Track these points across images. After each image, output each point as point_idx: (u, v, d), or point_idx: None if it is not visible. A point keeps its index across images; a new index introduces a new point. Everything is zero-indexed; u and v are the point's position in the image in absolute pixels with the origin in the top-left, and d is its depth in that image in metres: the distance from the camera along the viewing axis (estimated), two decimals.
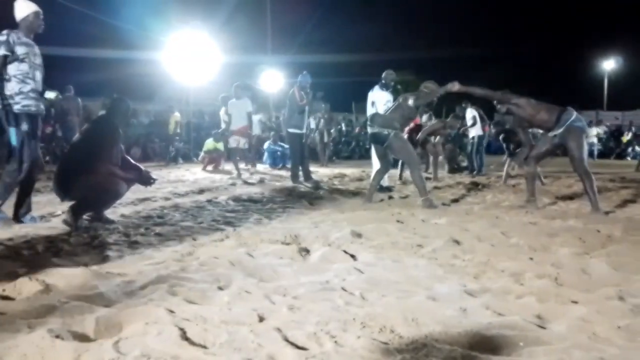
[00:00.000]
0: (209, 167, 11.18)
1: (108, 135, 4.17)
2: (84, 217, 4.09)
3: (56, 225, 3.96)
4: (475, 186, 7.53)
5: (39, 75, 4.22)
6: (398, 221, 4.40)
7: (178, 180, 8.44)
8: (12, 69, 4.07)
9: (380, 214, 4.82)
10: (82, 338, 1.83)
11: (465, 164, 11.22)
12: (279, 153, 12.45)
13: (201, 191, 6.81)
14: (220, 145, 11.82)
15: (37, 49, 4.23)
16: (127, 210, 4.83)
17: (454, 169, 10.77)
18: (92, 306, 2.13)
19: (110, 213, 4.34)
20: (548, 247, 3.36)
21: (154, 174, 4.68)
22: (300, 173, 8.21)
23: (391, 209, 5.17)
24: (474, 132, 10.44)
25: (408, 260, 3.02)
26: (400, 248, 3.35)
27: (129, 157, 4.50)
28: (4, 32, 4.05)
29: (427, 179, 7.01)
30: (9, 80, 4.06)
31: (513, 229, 4.02)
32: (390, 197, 6.25)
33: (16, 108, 4.06)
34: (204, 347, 1.76)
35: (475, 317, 2.07)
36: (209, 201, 5.72)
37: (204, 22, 16.08)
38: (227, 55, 16.92)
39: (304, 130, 8.42)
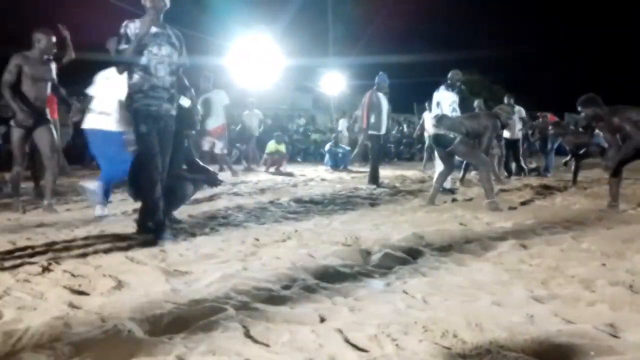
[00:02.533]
0: (271, 169, 11.36)
1: (176, 138, 4.32)
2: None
3: (128, 224, 4.15)
4: (544, 189, 7.25)
5: (160, 69, 3.70)
6: (461, 224, 4.31)
7: (241, 182, 8.62)
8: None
9: (443, 217, 4.73)
10: (152, 333, 1.90)
11: (533, 165, 10.83)
12: (340, 155, 12.48)
13: (263, 192, 6.94)
14: (282, 147, 11.99)
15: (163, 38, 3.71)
16: (194, 210, 4.98)
17: (523, 170, 10.38)
18: (161, 302, 2.22)
19: (178, 213, 4.50)
20: (622, 253, 3.19)
21: (220, 175, 4.81)
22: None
23: (454, 212, 5.07)
24: (508, 134, 9.99)
25: (472, 264, 2.95)
26: (463, 251, 3.28)
27: (197, 159, 4.65)
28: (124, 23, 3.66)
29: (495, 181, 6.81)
30: (131, 76, 3.70)
31: (584, 233, 3.84)
32: (454, 200, 6.12)
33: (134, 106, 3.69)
34: (267, 345, 1.79)
35: (543, 324, 1.99)
36: (271, 202, 5.81)
37: (267, 26, 16.38)
38: (289, 58, 17.14)
39: (382, 132, 8.17)
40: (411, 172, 10.58)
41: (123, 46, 3.59)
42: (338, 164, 12.36)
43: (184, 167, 4.44)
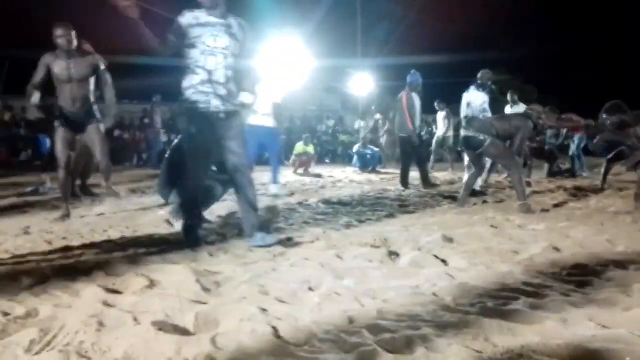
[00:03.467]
0: (300, 170, 11.40)
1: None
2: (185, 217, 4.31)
3: (160, 225, 4.22)
4: (578, 190, 7.10)
5: (213, 62, 3.43)
6: (492, 226, 4.25)
7: (270, 182, 8.67)
8: (185, 57, 3.48)
9: (473, 219, 4.67)
10: (183, 332, 1.93)
11: (566, 166, 10.59)
12: (368, 156, 12.45)
13: (292, 193, 6.97)
14: (311, 149, 12.03)
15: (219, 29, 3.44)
16: (224, 211, 5.03)
17: (555, 172, 10.17)
18: (192, 302, 2.25)
19: (208, 214, 4.55)
20: None
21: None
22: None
23: (485, 214, 5.01)
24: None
25: (503, 267, 2.90)
26: (494, 254, 3.23)
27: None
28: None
29: (527, 184, 6.69)
30: (184, 72, 3.49)
31: (620, 236, 3.74)
32: (485, 202, 6.04)
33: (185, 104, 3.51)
34: (296, 346, 1.80)
35: (577, 328, 1.95)
36: (299, 203, 5.83)
37: (297, 27, 16.44)
38: (318, 59, 17.17)
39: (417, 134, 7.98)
40: (441, 174, 10.47)
41: (167, 36, 3.37)
42: (366, 165, 12.33)
43: (214, 168, 4.49)
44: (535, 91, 22.48)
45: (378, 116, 14.87)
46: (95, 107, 4.85)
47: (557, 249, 3.33)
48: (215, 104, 3.44)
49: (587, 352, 1.73)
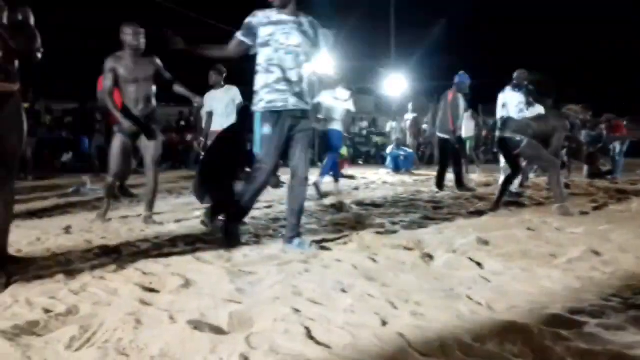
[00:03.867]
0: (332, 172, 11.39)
1: (239, 141, 4.44)
2: (220, 218, 4.38)
3: (195, 225, 4.29)
4: (619, 193, 6.89)
5: (287, 60, 3.39)
6: (529, 229, 4.17)
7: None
8: (258, 56, 3.44)
9: (509, 221, 4.59)
10: (217, 331, 1.96)
11: (606, 168, 10.29)
12: (401, 157, 12.36)
13: (325, 195, 6.97)
14: (344, 151, 12.00)
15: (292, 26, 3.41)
16: (258, 212, 5.08)
17: (595, 173, 9.89)
18: (226, 301, 2.28)
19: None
20: None
21: (283, 178, 4.88)
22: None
23: (521, 216, 4.91)
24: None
25: (540, 271, 2.84)
26: (531, 257, 3.17)
27: None
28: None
29: (566, 185, 6.52)
30: (256, 71, 3.45)
31: None
32: (521, 204, 5.92)
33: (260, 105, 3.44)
34: (328, 347, 1.80)
35: (620, 334, 1.89)
36: (332, 205, 5.83)
37: (330, 29, 16.44)
38: (351, 61, 17.15)
39: (459, 135, 7.88)
40: (476, 175, 10.32)
41: (238, 37, 3.40)
42: (400, 166, 12.25)
43: (247, 169, 4.54)
44: (574, 92, 21.91)
45: (407, 116, 14.74)
46: (157, 110, 4.61)
47: (596, 253, 3.24)
48: (293, 102, 3.39)
49: (628, 357, 1.68)
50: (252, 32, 3.39)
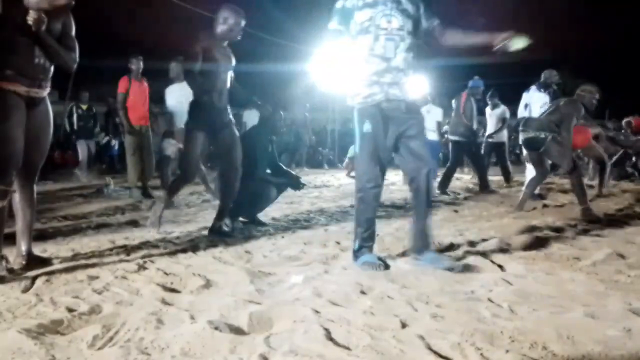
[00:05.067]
0: (353, 173, 11.37)
1: (257, 145, 4.46)
2: (240, 219, 4.41)
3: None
4: None
5: (391, 47, 2.95)
6: (552, 231, 4.11)
7: (323, 186, 8.73)
8: (356, 46, 3.01)
9: (532, 223, 4.52)
10: (237, 331, 1.97)
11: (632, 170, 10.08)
12: None
13: (345, 196, 6.97)
14: None
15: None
16: (277, 213, 5.10)
17: (621, 175, 9.67)
18: (246, 302, 2.29)
19: (262, 216, 4.62)
20: None
21: (303, 179, 4.89)
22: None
23: (544, 218, 4.84)
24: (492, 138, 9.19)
25: (563, 274, 2.80)
26: (554, 260, 3.12)
27: (280, 164, 4.77)
28: None
29: (590, 187, 6.40)
30: (354, 62, 3.03)
31: None
32: (545, 206, 5.84)
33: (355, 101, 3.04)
34: (348, 348, 1.80)
35: None
36: (352, 206, 5.80)
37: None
38: None
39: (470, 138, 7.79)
40: (498, 177, 10.20)
41: (331, 23, 3.00)
42: None
43: (268, 170, 4.56)
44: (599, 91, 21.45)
45: None
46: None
47: (621, 256, 3.18)
48: (394, 94, 2.95)
49: None
50: (347, 19, 2.95)
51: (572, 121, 5.10)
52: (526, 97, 6.69)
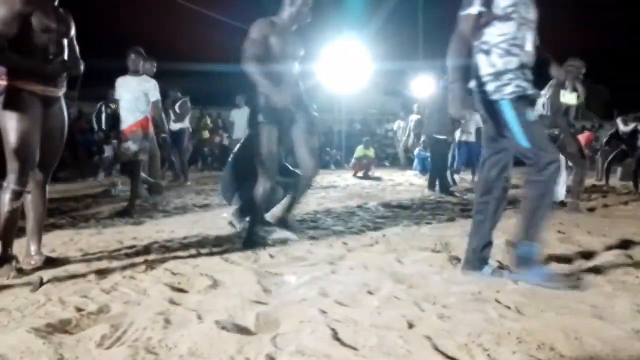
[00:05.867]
0: (360, 174, 11.39)
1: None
2: (247, 219, 4.41)
3: (223, 226, 4.33)
4: None
5: (529, 39, 2.70)
6: (559, 232, 4.09)
7: (330, 186, 8.72)
8: (493, 33, 2.67)
9: None
10: (244, 331, 1.98)
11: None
12: (429, 159, 12.25)
13: (352, 197, 6.97)
14: (371, 152, 12.00)
15: None
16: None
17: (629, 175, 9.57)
18: (253, 302, 2.30)
19: (269, 217, 4.62)
20: None
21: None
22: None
23: (553, 219, 4.81)
24: (464, 136, 9.50)
25: (571, 275, 2.78)
26: (561, 261, 3.11)
27: (286, 164, 4.77)
28: None
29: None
30: (487, 52, 2.68)
31: None
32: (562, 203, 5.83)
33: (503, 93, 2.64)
34: (354, 348, 1.80)
35: None
36: (359, 207, 5.82)
37: (357, 30, 16.44)
38: (378, 62, 17.09)
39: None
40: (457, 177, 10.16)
41: (471, 9, 2.61)
42: (427, 168, 12.14)
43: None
44: (607, 91, 21.32)
45: (412, 117, 14.33)
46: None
47: (629, 257, 3.16)
48: (531, 91, 2.70)
49: None
50: (489, 2, 2.62)
51: (560, 106, 5.29)
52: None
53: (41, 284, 2.59)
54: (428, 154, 12.27)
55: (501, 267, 2.84)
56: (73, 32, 3.00)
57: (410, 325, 2.01)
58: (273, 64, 3.50)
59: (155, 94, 5.47)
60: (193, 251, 3.42)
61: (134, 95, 5.31)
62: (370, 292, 2.47)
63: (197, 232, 4.14)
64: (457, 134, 10.34)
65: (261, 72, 3.40)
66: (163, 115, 5.79)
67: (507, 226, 4.40)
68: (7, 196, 2.74)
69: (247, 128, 4.17)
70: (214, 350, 1.78)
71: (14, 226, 2.81)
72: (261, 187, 3.67)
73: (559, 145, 5.22)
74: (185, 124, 9.13)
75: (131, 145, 5.26)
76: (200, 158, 15.17)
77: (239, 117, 10.39)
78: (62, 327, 2.01)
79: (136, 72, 5.45)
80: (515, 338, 1.86)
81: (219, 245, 3.63)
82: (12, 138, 2.70)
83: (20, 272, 2.78)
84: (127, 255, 3.28)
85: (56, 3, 2.88)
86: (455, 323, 2.03)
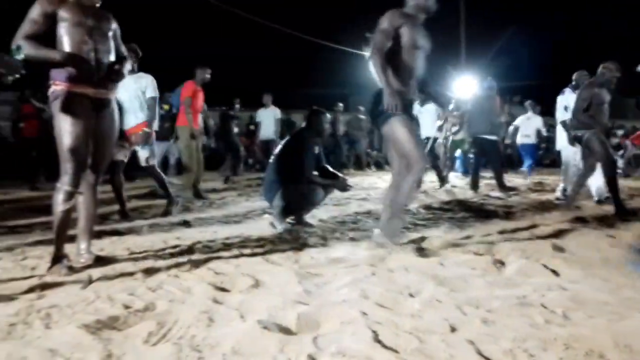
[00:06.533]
0: None
1: (303, 146, 4.49)
2: (288, 220, 4.45)
3: (264, 228, 4.38)
4: None
5: None
6: (609, 235, 3.95)
7: (371, 187, 8.68)
8: None
9: (587, 227, 4.36)
10: (286, 331, 2.00)
11: None
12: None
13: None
14: None
15: None
16: (325, 215, 5.12)
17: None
18: (294, 302, 2.32)
19: (309, 217, 4.65)
20: None
21: (350, 181, 4.89)
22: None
23: (602, 222, 4.65)
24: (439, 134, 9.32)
25: (621, 280, 2.69)
26: (612, 266, 3.00)
27: (327, 166, 4.78)
28: None
29: None
30: None
31: None
32: (599, 202, 5.64)
33: None
34: (395, 351, 1.79)
35: None
36: None
37: None
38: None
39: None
40: (552, 178, 9.89)
41: None
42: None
43: (315, 172, 4.59)
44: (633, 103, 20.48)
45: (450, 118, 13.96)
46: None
47: None
48: None
49: None
50: None
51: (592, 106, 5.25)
52: (562, 99, 6.69)
53: (90, 281, 2.68)
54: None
55: None
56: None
57: (453, 329, 1.98)
58: (402, 55, 3.44)
59: (150, 91, 5.29)
60: (235, 251, 3.47)
61: (132, 95, 5.23)
62: (411, 295, 2.45)
63: (239, 233, 4.19)
64: (518, 137, 10.41)
65: (383, 65, 3.35)
66: (157, 113, 5.46)
67: (555, 228, 4.30)
68: (60, 197, 2.85)
69: (370, 122, 4.06)
70: (256, 349, 1.80)
71: (66, 226, 2.93)
72: (416, 174, 3.46)
73: (585, 144, 5.16)
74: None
75: (140, 152, 5.24)
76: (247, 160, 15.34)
77: (266, 116, 10.17)
78: (111, 323, 2.08)
79: (132, 71, 5.08)
80: (562, 344, 1.81)
81: (260, 245, 3.67)
82: (65, 140, 2.81)
83: (71, 269, 2.88)
84: (172, 255, 3.36)
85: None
86: (500, 327, 2.00)
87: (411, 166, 3.43)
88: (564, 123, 6.33)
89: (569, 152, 6.50)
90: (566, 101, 6.54)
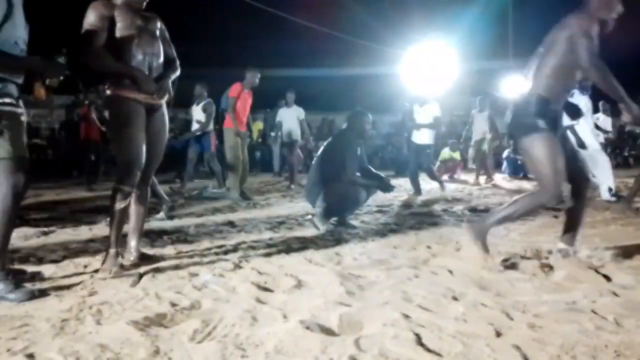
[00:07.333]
0: (445, 177, 11.14)
1: (346, 147, 4.49)
2: (330, 221, 4.47)
3: (307, 229, 4.41)
4: None
5: None
6: None
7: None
8: None
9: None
10: (328, 332, 2.00)
11: None
12: (519, 162, 11.76)
13: (437, 200, 6.84)
14: (457, 155, 11.70)
15: None
16: (367, 216, 5.11)
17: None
18: (337, 303, 2.32)
19: (352, 219, 4.65)
20: None
21: (393, 182, 4.87)
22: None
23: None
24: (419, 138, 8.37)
25: None
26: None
27: (370, 167, 4.78)
28: None
29: None
30: None
31: None
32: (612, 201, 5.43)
33: None
34: (439, 354, 1.77)
35: None
36: (444, 210, 5.70)
37: (444, 31, 16.12)
38: (465, 62, 16.66)
39: None
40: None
41: None
42: (517, 171, 11.67)
43: (358, 173, 4.59)
44: None
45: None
46: None
47: None
48: None
49: None
50: None
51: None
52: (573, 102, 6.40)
53: (139, 279, 2.76)
54: (519, 156, 11.82)
55: None
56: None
57: (498, 334, 1.94)
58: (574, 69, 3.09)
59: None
60: (278, 252, 3.51)
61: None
62: (455, 298, 2.42)
63: (282, 234, 4.23)
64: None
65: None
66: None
67: (607, 232, 4.15)
68: (117, 196, 2.97)
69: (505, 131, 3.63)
70: (298, 350, 1.81)
71: (122, 224, 3.04)
72: (542, 200, 3.18)
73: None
74: (211, 126, 7.76)
75: None
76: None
77: (288, 116, 9.24)
78: (158, 320, 2.13)
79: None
80: (613, 351, 1.75)
81: (303, 246, 3.70)
82: (122, 143, 2.94)
83: (121, 267, 2.98)
84: (216, 254, 3.43)
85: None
86: (547, 333, 1.94)
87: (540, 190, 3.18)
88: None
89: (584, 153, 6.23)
90: (578, 104, 6.29)
